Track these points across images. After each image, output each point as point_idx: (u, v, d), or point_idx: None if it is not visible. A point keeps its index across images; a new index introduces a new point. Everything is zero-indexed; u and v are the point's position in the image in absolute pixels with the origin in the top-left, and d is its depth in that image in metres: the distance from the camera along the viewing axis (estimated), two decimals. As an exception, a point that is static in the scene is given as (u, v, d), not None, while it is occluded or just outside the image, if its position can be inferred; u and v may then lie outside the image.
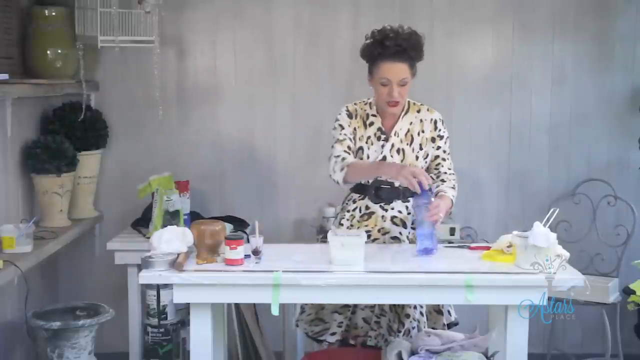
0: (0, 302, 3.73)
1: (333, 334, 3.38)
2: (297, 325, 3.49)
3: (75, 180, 4.20)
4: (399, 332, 3.31)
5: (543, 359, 4.52)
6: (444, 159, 3.40)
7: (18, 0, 4.03)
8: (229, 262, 2.93)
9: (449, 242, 3.85)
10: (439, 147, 3.39)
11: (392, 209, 3.35)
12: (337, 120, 3.40)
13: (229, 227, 3.94)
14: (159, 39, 4.26)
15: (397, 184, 3.32)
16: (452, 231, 4.28)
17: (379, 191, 3.34)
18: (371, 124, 3.38)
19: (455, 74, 4.63)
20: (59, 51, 4.13)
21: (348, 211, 3.41)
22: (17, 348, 3.91)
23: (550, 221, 2.97)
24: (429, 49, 4.59)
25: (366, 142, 3.36)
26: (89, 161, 4.36)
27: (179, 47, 4.60)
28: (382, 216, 3.35)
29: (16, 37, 3.98)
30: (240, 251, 2.93)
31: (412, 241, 3.32)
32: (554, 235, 2.91)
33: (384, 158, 3.32)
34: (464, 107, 4.63)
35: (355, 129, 3.38)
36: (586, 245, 4.47)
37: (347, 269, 2.93)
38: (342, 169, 3.28)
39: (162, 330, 4.13)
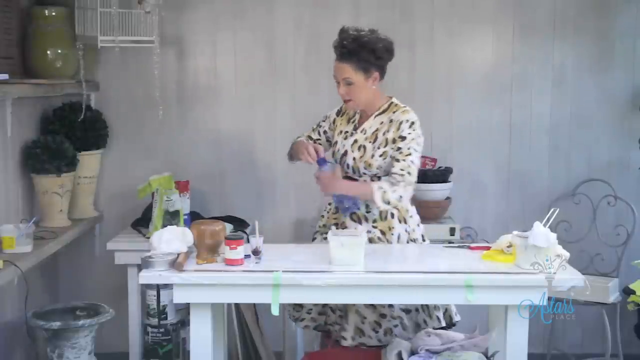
0: (0, 302, 3.73)
1: (302, 319, 3.48)
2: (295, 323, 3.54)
3: (75, 180, 4.20)
4: (376, 332, 3.31)
5: (543, 359, 4.52)
6: (397, 160, 3.31)
7: (18, 0, 4.03)
8: (229, 262, 2.93)
9: (449, 242, 3.85)
10: (399, 149, 3.32)
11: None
12: (332, 111, 3.63)
13: (229, 227, 3.94)
14: (159, 39, 4.25)
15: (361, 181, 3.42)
16: (452, 231, 4.27)
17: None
18: (352, 120, 3.51)
19: (455, 74, 4.63)
20: (59, 51, 4.13)
21: (330, 203, 3.55)
22: (17, 348, 3.91)
23: (550, 221, 2.97)
24: (429, 49, 4.63)
25: (340, 134, 3.51)
26: (89, 161, 4.36)
27: (179, 47, 4.60)
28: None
29: (16, 37, 3.98)
30: (240, 251, 2.93)
31: (371, 240, 3.34)
32: (554, 235, 2.91)
33: (346, 152, 3.44)
34: (464, 107, 4.63)
35: (337, 124, 3.55)
36: (586, 245, 4.47)
37: (347, 269, 2.93)
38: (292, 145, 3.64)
39: (162, 330, 4.13)
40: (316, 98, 4.60)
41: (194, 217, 4.20)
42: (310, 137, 3.61)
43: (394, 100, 3.44)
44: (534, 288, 2.86)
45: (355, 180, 3.41)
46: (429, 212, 4.20)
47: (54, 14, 4.12)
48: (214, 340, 3.00)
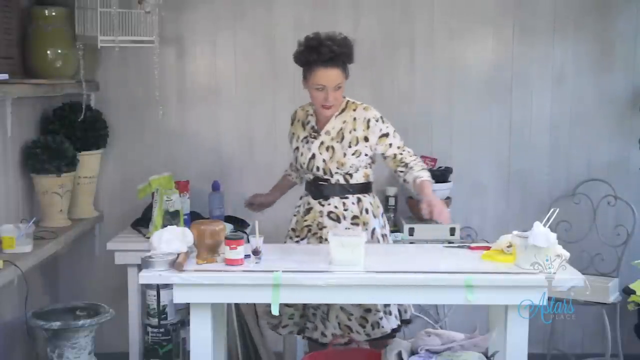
0: (0, 302, 3.73)
1: (285, 326, 3.51)
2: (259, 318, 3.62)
3: (75, 180, 4.20)
4: (364, 327, 3.34)
5: (543, 359, 4.52)
6: (401, 152, 3.46)
7: (18, 0, 4.03)
8: (229, 262, 2.93)
9: (449, 242, 3.85)
10: (390, 145, 3.46)
11: (329, 204, 3.47)
12: None
13: (229, 227, 3.94)
14: (159, 39, 4.25)
15: (332, 181, 3.46)
16: (452, 231, 4.27)
17: (318, 187, 3.49)
18: (308, 123, 3.55)
19: (455, 74, 4.63)
20: (59, 51, 4.13)
21: (297, 207, 3.60)
22: (17, 348, 3.91)
23: (550, 221, 2.97)
24: (429, 49, 4.63)
25: (301, 141, 3.54)
26: (89, 161, 4.36)
27: (179, 47, 4.60)
28: (320, 211, 3.49)
29: (16, 37, 3.98)
30: (240, 251, 2.93)
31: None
32: (554, 235, 2.91)
33: (313, 155, 3.45)
34: (464, 107, 4.63)
35: (293, 133, 3.60)
36: (586, 245, 4.47)
37: (347, 269, 2.93)
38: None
39: (162, 330, 4.13)
40: (316, 98, 4.60)
41: (194, 217, 4.20)
42: (291, 164, 3.75)
43: (348, 98, 3.51)
44: (534, 288, 2.86)
45: (327, 181, 3.46)
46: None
47: (54, 14, 4.12)
48: (214, 340, 3.00)
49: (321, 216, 3.48)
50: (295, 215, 3.61)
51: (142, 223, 4.31)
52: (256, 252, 3.00)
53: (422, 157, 3.50)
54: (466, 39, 4.64)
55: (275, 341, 4.38)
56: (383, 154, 3.48)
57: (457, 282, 2.87)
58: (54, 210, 4.03)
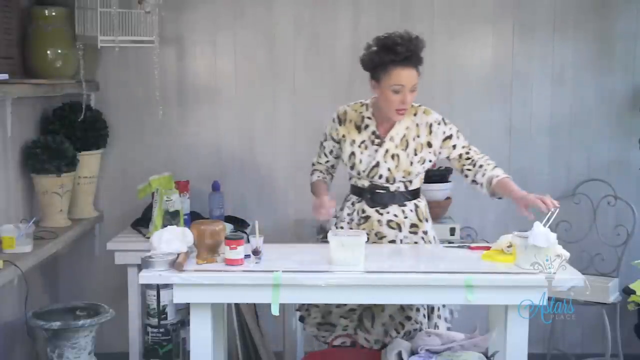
0: (0, 302, 3.73)
1: (337, 336, 3.37)
2: (304, 329, 3.48)
3: (75, 180, 4.20)
4: (398, 332, 3.30)
5: (543, 359, 4.52)
6: (467, 152, 3.38)
7: (18, 0, 4.03)
8: (229, 262, 2.93)
9: (449, 242, 3.84)
10: (454, 146, 3.37)
11: (388, 213, 3.35)
12: (327, 126, 3.47)
13: (229, 227, 3.94)
14: (159, 39, 4.25)
15: (392, 189, 3.33)
16: (452, 231, 4.27)
17: (374, 196, 3.35)
18: (366, 127, 3.36)
19: (455, 73, 4.63)
20: (59, 51, 4.13)
21: (348, 214, 3.42)
22: (17, 348, 3.91)
23: (550, 221, 2.96)
24: (429, 49, 4.60)
25: (359, 147, 3.34)
26: (89, 161, 4.35)
27: (179, 47, 4.60)
28: (378, 220, 3.35)
29: (16, 37, 3.98)
30: (240, 251, 2.93)
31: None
32: (554, 235, 2.91)
33: (377, 164, 3.31)
34: (464, 107, 4.63)
35: (344, 135, 3.38)
36: (586, 245, 4.47)
37: (347, 269, 2.93)
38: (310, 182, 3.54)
39: (162, 330, 4.13)
40: (316, 98, 4.61)
41: (194, 217, 4.20)
42: (326, 158, 3.50)
43: None
44: (534, 288, 2.85)
45: (386, 188, 3.34)
46: (429, 212, 4.20)
47: (54, 14, 4.12)
48: (214, 340, 3.00)
49: (380, 225, 3.34)
50: (348, 223, 3.40)
51: (142, 223, 4.31)
52: (256, 252, 3.00)
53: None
54: (466, 39, 4.64)
55: (276, 341, 4.39)
56: (448, 156, 3.38)
57: (457, 282, 2.87)
58: (54, 210, 4.03)
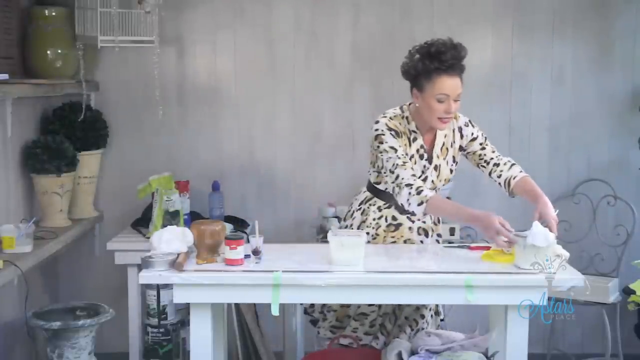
0: (0, 302, 3.73)
1: (345, 336, 3.35)
2: (318, 333, 3.47)
3: (75, 180, 4.20)
4: (412, 329, 3.31)
5: (543, 359, 4.52)
6: (483, 148, 3.35)
7: (18, 0, 4.03)
8: (229, 262, 2.93)
9: (449, 242, 3.84)
10: (481, 145, 3.35)
11: (419, 219, 3.29)
12: (383, 141, 3.18)
13: (229, 227, 3.94)
14: (159, 39, 4.26)
15: None
16: (452, 231, 4.27)
17: None
18: (414, 139, 3.25)
19: (455, 74, 4.62)
20: (59, 51, 4.13)
21: (374, 219, 3.32)
22: (17, 348, 3.91)
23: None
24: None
25: (411, 159, 3.23)
26: (89, 161, 4.35)
27: (179, 47, 4.60)
28: (410, 227, 3.30)
29: (16, 37, 3.98)
30: (240, 251, 2.93)
31: None
32: (552, 235, 2.91)
33: (425, 178, 3.25)
34: (463, 107, 4.55)
35: (403, 147, 3.22)
36: (586, 245, 4.47)
37: (347, 269, 2.93)
38: (419, 204, 3.06)
39: (162, 330, 4.13)
40: (316, 97, 4.61)
41: (194, 217, 4.21)
42: (413, 169, 3.17)
43: None
44: (534, 288, 2.85)
45: None
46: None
47: (54, 14, 4.12)
48: (214, 340, 3.00)
49: (411, 232, 3.29)
50: (373, 228, 3.30)
51: (142, 223, 4.31)
52: (256, 252, 3.00)
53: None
54: (466, 39, 4.57)
55: (276, 341, 4.39)
56: (468, 154, 3.36)
57: (457, 282, 2.87)
58: (54, 210, 4.03)
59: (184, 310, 4.09)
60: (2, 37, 3.80)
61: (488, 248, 3.19)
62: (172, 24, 4.53)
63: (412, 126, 3.27)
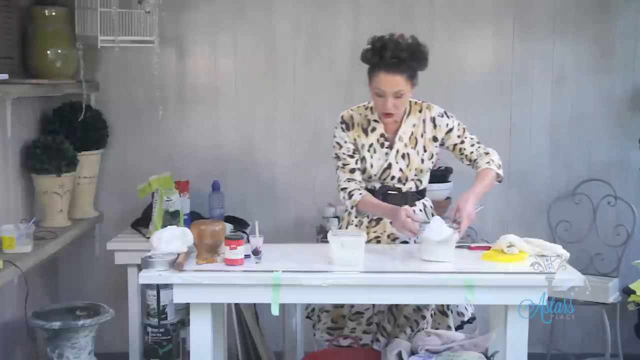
0: (0, 302, 3.73)
1: (345, 337, 3.36)
2: (314, 335, 3.48)
3: (75, 180, 4.20)
4: (412, 330, 3.31)
5: (543, 359, 4.52)
6: (462, 142, 3.33)
7: (18, 0, 4.03)
8: (229, 262, 2.93)
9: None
10: (458, 136, 3.33)
11: None
12: (334, 136, 3.33)
13: (229, 227, 3.94)
14: (159, 39, 4.25)
15: (404, 190, 3.32)
16: (452, 231, 4.26)
17: (387, 197, 3.31)
18: (373, 129, 3.31)
19: (455, 73, 4.63)
20: (59, 51, 4.13)
21: (356, 217, 3.38)
22: (17, 348, 3.91)
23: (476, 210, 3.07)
24: (429, 48, 4.61)
25: (368, 151, 3.30)
26: (89, 161, 4.35)
27: (179, 47, 4.60)
28: (391, 222, 3.31)
29: (16, 37, 3.98)
30: (240, 251, 2.93)
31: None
32: (449, 231, 2.99)
33: (389, 165, 3.29)
34: (463, 106, 4.61)
35: (355, 139, 3.31)
36: (586, 245, 4.47)
37: (347, 269, 2.93)
38: (352, 207, 3.28)
39: (162, 330, 4.13)
40: (316, 97, 4.61)
41: (194, 217, 4.20)
42: (352, 172, 3.30)
43: (410, 98, 3.31)
44: (534, 288, 2.85)
45: (399, 190, 3.31)
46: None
47: (54, 14, 4.12)
48: (214, 340, 3.00)
49: (392, 225, 3.28)
50: (357, 226, 3.36)
51: (142, 223, 4.31)
52: (256, 252, 3.00)
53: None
54: (466, 39, 4.64)
55: (275, 341, 4.39)
56: (447, 147, 3.36)
57: (457, 282, 2.87)
58: (54, 210, 4.03)
59: (184, 310, 4.09)
60: (2, 37, 3.80)
61: (488, 248, 3.19)
62: (172, 24, 4.52)
63: (375, 116, 3.31)
